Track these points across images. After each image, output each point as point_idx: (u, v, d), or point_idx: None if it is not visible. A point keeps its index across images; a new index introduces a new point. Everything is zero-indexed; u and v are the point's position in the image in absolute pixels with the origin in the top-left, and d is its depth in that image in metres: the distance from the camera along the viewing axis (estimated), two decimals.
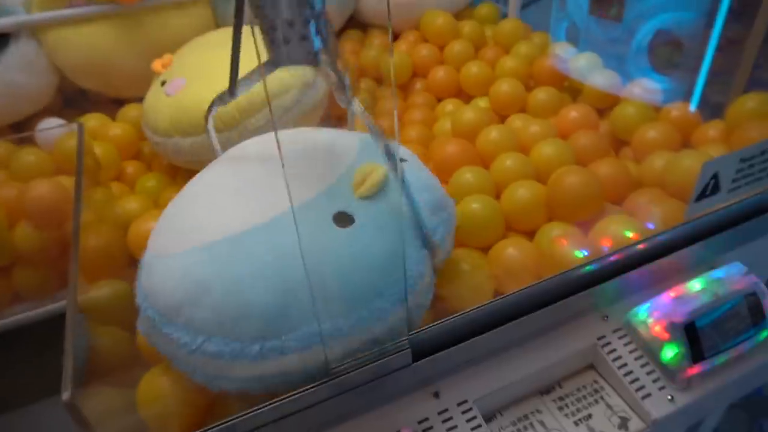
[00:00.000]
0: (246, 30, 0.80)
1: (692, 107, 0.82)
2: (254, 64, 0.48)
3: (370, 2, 0.99)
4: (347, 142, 0.47)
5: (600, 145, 0.68)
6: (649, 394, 0.44)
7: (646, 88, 0.78)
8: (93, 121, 0.81)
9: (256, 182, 0.43)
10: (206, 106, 0.63)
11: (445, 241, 0.45)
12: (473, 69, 0.86)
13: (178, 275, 0.38)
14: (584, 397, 0.46)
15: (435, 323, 0.41)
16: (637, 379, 0.44)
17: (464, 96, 0.89)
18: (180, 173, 0.75)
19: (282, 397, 0.39)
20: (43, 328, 0.69)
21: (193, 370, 0.39)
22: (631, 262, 0.48)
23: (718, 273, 0.47)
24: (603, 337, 0.46)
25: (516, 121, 0.76)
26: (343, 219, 0.40)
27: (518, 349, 0.46)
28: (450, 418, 0.41)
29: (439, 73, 0.89)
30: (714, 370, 0.44)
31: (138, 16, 0.83)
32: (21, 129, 0.86)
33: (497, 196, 0.63)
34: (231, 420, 0.38)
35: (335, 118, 0.78)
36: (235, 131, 0.66)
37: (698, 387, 0.44)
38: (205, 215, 0.41)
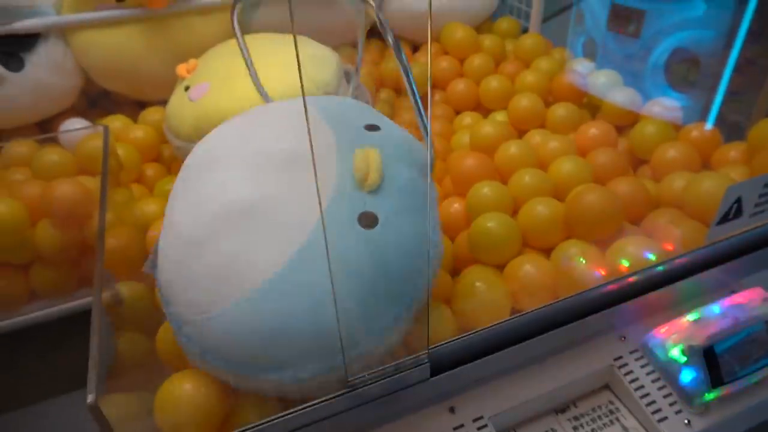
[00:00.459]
0: (266, 36, 0.81)
1: (708, 125, 0.81)
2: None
3: (392, 13, 1.00)
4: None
5: (619, 163, 0.68)
6: (665, 418, 0.44)
7: (666, 106, 0.78)
8: (116, 122, 0.82)
9: (264, 203, 0.41)
10: (227, 113, 0.64)
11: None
12: (493, 83, 0.87)
13: (246, 325, 0.38)
14: (599, 417, 0.46)
15: (454, 339, 0.41)
16: (653, 402, 0.44)
17: (483, 109, 0.89)
18: None
19: (298, 408, 0.39)
20: (58, 327, 0.70)
21: (283, 394, 0.41)
22: (650, 283, 0.48)
23: (739, 298, 0.47)
24: (620, 357, 0.46)
25: (535, 136, 0.77)
26: (367, 219, 0.40)
27: (535, 367, 0.46)
28: None
29: (459, 86, 0.89)
30: (732, 395, 0.44)
31: (164, 21, 0.84)
32: (45, 128, 0.87)
33: (515, 212, 0.63)
34: (247, 428, 0.39)
35: None
36: None
37: (716, 412, 0.44)
38: (240, 253, 0.39)
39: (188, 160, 0.48)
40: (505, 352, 0.43)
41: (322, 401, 0.38)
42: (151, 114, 0.83)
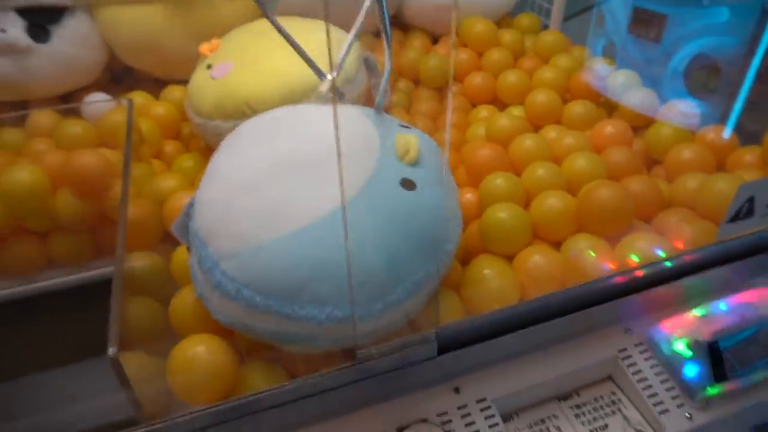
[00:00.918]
0: (287, 19, 0.82)
1: (726, 134, 0.81)
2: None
3: (412, 4, 1.00)
4: (359, 114, 0.53)
5: (633, 161, 0.68)
6: (667, 410, 0.44)
7: (682, 110, 0.78)
8: (137, 98, 0.83)
9: (317, 159, 0.46)
10: (250, 92, 0.66)
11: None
12: (511, 77, 0.87)
13: (293, 258, 0.41)
14: (601, 407, 0.46)
15: (462, 320, 0.42)
16: (655, 394, 0.45)
17: (499, 104, 0.90)
18: None
19: (306, 378, 0.40)
20: (75, 296, 0.72)
21: (313, 339, 0.43)
22: (657, 278, 0.49)
23: (747, 296, 0.48)
24: (624, 349, 0.47)
25: (550, 132, 0.77)
26: (408, 184, 0.46)
27: (540, 353, 0.46)
28: (468, 414, 0.42)
29: (477, 79, 0.90)
30: (735, 392, 0.45)
31: (189, 0, 0.85)
32: (68, 101, 0.89)
33: (527, 204, 0.63)
34: (256, 395, 0.40)
35: None
36: None
37: (718, 407, 0.45)
38: (291, 197, 0.43)
39: (239, 129, 0.54)
40: (511, 336, 0.44)
41: (330, 372, 0.39)
42: (172, 91, 0.84)
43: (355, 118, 0.54)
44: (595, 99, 0.86)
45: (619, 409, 0.46)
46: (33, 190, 0.65)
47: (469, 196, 0.67)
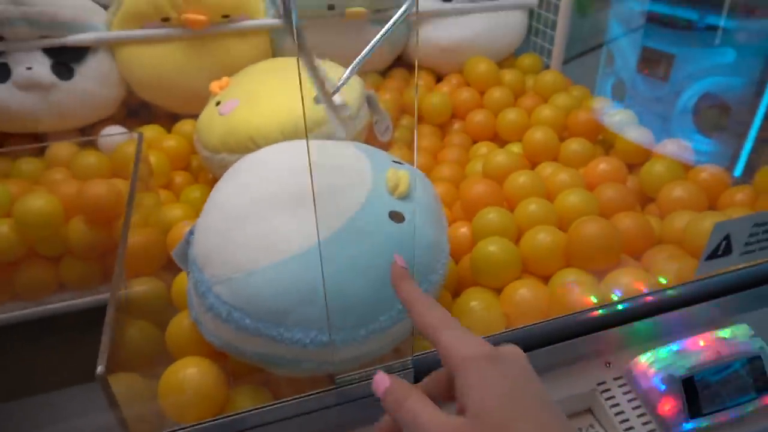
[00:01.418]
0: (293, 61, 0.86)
1: (736, 173, 0.83)
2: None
3: (419, 44, 1.04)
4: (354, 151, 0.56)
5: (625, 198, 0.70)
6: None
7: (678, 147, 0.80)
8: (150, 131, 0.87)
9: (309, 191, 0.48)
10: (253, 128, 0.69)
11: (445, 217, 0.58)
12: (510, 115, 0.90)
13: (282, 284, 0.44)
14: None
15: None
16: (632, 428, 0.45)
17: (499, 141, 0.92)
18: None
19: (289, 399, 0.42)
20: (82, 319, 0.74)
21: (298, 363, 0.45)
22: (638, 312, 0.50)
23: (724, 333, 0.48)
24: (603, 383, 0.48)
25: (546, 168, 0.79)
26: (396, 216, 0.49)
27: None
28: None
29: (477, 117, 0.92)
30: (711, 428, 0.45)
31: (204, 41, 0.90)
32: (87, 134, 0.94)
33: (519, 239, 0.65)
34: (240, 414, 0.41)
35: None
36: None
37: None
38: (282, 227, 0.46)
39: (239, 163, 0.57)
40: None
41: (312, 394, 0.41)
42: (184, 126, 0.88)
43: (349, 153, 0.56)
44: (593, 137, 0.88)
45: None
46: (47, 217, 0.69)
47: (464, 230, 0.69)
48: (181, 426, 0.41)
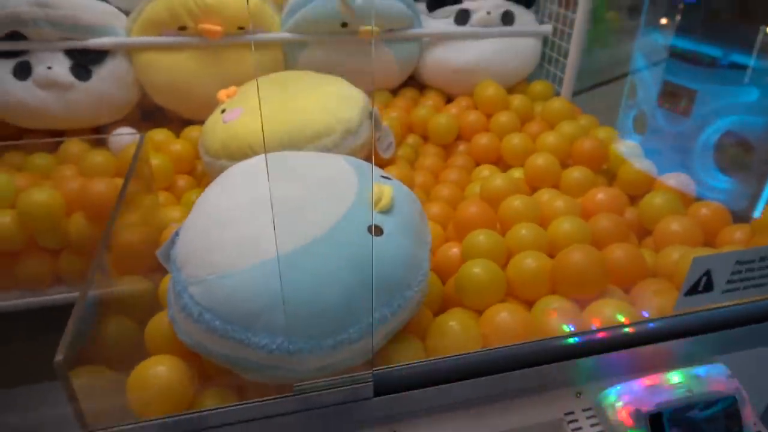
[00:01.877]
0: (306, 73, 0.88)
1: (756, 213, 0.81)
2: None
3: (428, 66, 1.06)
4: (343, 164, 0.57)
5: (619, 229, 0.69)
6: None
7: (681, 181, 0.79)
8: (159, 135, 0.90)
9: (293, 200, 0.50)
10: (252, 137, 0.71)
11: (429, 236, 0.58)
12: (514, 140, 0.90)
13: (253, 288, 0.44)
14: None
15: (401, 365, 0.43)
16: None
17: (503, 164, 0.92)
18: None
19: (253, 401, 0.42)
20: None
21: (264, 368, 0.45)
22: (614, 343, 0.49)
23: (699, 371, 0.47)
24: (571, 413, 0.47)
25: (544, 194, 0.78)
26: (376, 230, 0.49)
27: (485, 407, 0.47)
28: None
29: (482, 140, 0.93)
30: None
31: (218, 51, 0.92)
32: (101, 134, 0.97)
33: (507, 263, 0.65)
34: (202, 412, 0.42)
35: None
36: None
37: None
38: (258, 233, 0.47)
39: (231, 168, 0.58)
40: (454, 385, 0.45)
41: (274, 398, 0.41)
42: (191, 131, 0.91)
43: (338, 167, 0.57)
44: (597, 166, 0.87)
45: None
46: (48, 210, 0.71)
47: (455, 250, 0.69)
48: (140, 420, 0.41)
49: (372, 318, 0.46)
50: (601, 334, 0.49)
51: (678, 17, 1.39)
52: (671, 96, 1.37)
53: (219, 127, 0.76)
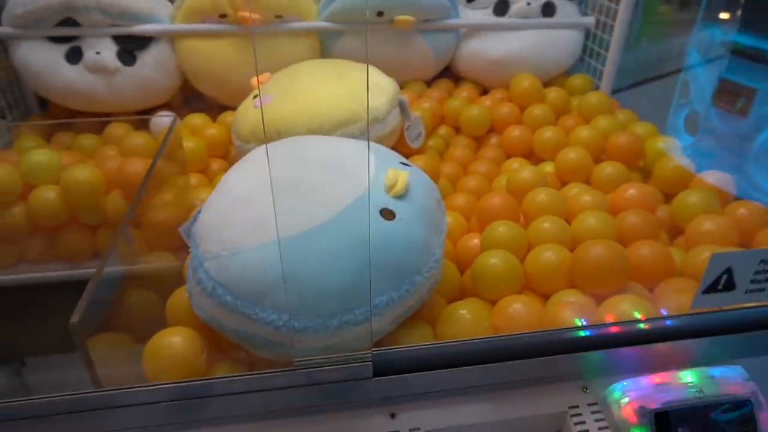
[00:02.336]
0: (340, 61, 0.89)
1: None
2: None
3: (464, 57, 1.05)
4: (362, 149, 0.57)
5: (648, 226, 0.66)
6: None
7: (719, 178, 0.75)
8: (197, 119, 0.93)
9: (307, 182, 0.51)
10: (281, 121, 0.72)
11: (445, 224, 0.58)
12: (547, 133, 0.88)
13: (262, 266, 0.46)
14: None
15: (401, 346, 0.44)
16: None
17: (535, 158, 0.91)
18: None
19: (257, 372, 0.43)
20: None
21: (273, 344, 0.47)
22: (626, 338, 0.48)
23: (714, 371, 0.45)
24: (576, 407, 0.46)
25: (573, 189, 0.77)
26: (387, 214, 0.50)
27: (489, 394, 0.46)
28: None
29: (514, 132, 0.91)
30: None
31: (257, 38, 0.95)
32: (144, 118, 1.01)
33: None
34: (209, 379, 0.43)
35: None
36: None
37: None
38: (270, 213, 0.47)
39: (253, 151, 0.60)
40: (455, 371, 0.45)
41: (276, 371, 0.43)
42: (226, 117, 0.93)
43: (356, 152, 0.58)
44: (633, 162, 0.84)
45: None
46: (89, 187, 0.75)
47: (476, 241, 0.68)
48: (151, 383, 0.43)
49: (370, 299, 0.46)
50: (613, 329, 0.48)
51: (740, 11, 1.32)
52: (728, 95, 1.31)
53: (250, 113, 0.78)
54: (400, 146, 0.85)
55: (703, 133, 1.35)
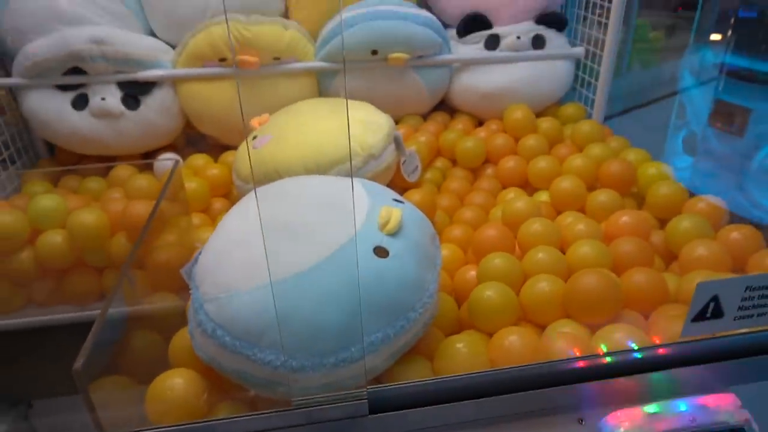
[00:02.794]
0: (335, 99, 0.91)
1: None
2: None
3: (458, 90, 1.07)
4: (357, 187, 0.59)
5: (641, 253, 0.67)
6: None
7: (710, 204, 0.76)
8: (199, 160, 0.95)
9: (301, 223, 0.53)
10: (279, 162, 0.74)
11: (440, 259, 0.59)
12: (541, 163, 0.90)
13: (259, 307, 0.47)
14: None
15: (396, 383, 0.45)
16: None
17: (530, 188, 0.92)
18: None
19: (257, 413, 0.44)
20: None
21: (272, 384, 0.48)
22: (619, 369, 0.48)
23: (707, 400, 0.46)
24: None
25: (567, 217, 0.78)
26: (381, 252, 0.51)
27: (485, 428, 0.47)
28: None
29: (509, 163, 0.93)
30: None
31: (255, 80, 0.98)
32: (150, 158, 1.04)
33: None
34: (211, 421, 0.44)
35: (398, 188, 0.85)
36: None
37: None
38: (270, 254, 0.49)
39: (250, 193, 0.61)
40: (451, 406, 0.46)
41: (275, 411, 0.43)
42: (228, 156, 0.96)
43: (349, 189, 0.59)
44: (626, 189, 0.86)
45: None
46: (94, 231, 0.77)
47: (472, 273, 0.69)
48: (153, 426, 0.44)
49: (362, 336, 0.47)
50: (606, 360, 0.48)
51: (731, 34, 1.35)
52: (724, 115, 1.33)
53: (249, 153, 0.80)
54: (398, 180, 0.87)
55: (702, 153, 1.37)
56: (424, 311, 0.53)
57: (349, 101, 0.90)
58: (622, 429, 0.44)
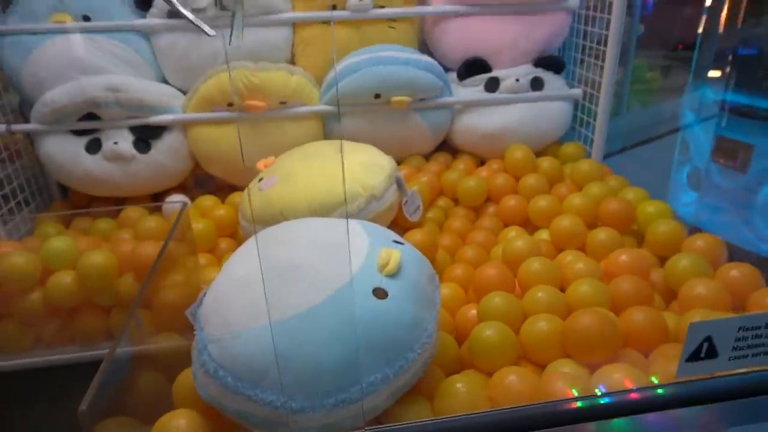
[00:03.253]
0: (337, 142, 0.94)
1: None
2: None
3: (459, 131, 1.10)
4: (358, 229, 0.61)
5: (641, 292, 0.68)
6: None
7: (708, 241, 0.77)
8: (207, 201, 0.98)
9: (303, 264, 0.54)
10: (284, 204, 0.76)
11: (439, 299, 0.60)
12: (541, 202, 0.91)
13: (260, 348, 0.48)
14: None
15: (394, 424, 0.45)
16: None
17: (531, 226, 0.93)
18: None
19: None
20: None
21: (273, 425, 0.49)
22: (618, 409, 0.49)
23: None
24: None
25: (567, 256, 0.79)
26: (380, 293, 0.52)
27: None
28: None
29: (510, 202, 0.95)
30: None
31: (262, 124, 1.01)
32: (160, 200, 1.06)
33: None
34: None
35: (400, 227, 0.87)
36: None
37: None
38: (271, 296, 0.51)
39: (254, 236, 0.62)
40: None
41: None
42: (235, 197, 0.98)
43: (351, 232, 0.61)
44: (625, 227, 0.87)
45: None
46: (104, 272, 0.79)
47: (473, 312, 0.70)
48: None
49: (360, 377, 0.48)
50: (604, 400, 0.49)
51: (730, 71, 1.38)
52: (727, 151, 1.35)
53: (255, 195, 0.82)
54: (401, 220, 0.89)
55: (706, 188, 1.38)
56: (423, 351, 0.53)
57: (352, 143, 0.92)
58: None
